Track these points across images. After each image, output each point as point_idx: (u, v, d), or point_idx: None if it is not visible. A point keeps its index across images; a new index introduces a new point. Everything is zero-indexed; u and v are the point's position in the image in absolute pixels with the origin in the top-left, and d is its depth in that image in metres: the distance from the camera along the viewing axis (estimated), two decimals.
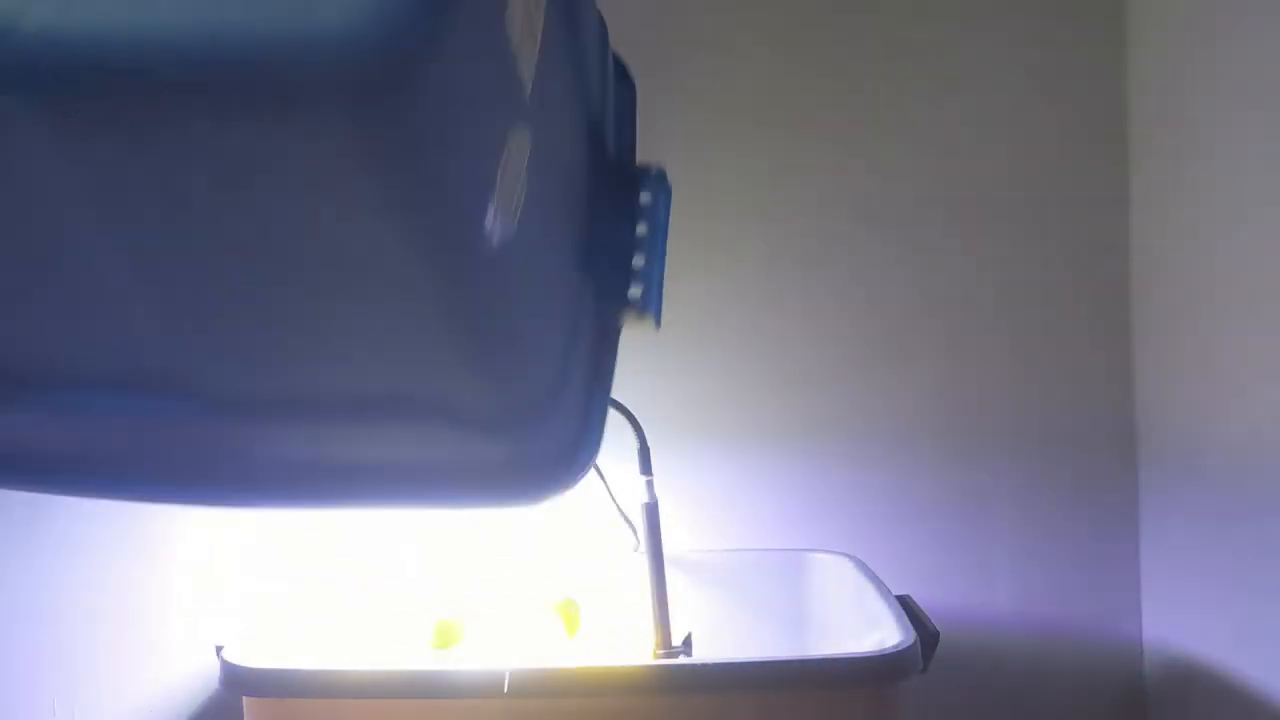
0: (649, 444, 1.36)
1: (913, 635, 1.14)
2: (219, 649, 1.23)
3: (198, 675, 1.58)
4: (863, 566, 1.47)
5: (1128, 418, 1.70)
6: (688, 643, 1.37)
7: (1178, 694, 1.66)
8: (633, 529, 1.41)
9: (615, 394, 1.40)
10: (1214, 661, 1.58)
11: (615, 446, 1.39)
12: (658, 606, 1.35)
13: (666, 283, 1.65)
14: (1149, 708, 1.70)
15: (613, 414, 1.35)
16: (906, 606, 1.32)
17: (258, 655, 1.24)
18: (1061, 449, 1.70)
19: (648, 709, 1.10)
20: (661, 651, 1.34)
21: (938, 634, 1.25)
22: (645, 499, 1.36)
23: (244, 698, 1.15)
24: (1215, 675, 1.58)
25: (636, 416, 1.35)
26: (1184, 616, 1.65)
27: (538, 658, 1.27)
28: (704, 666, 1.10)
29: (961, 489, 1.69)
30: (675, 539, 1.51)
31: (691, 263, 1.67)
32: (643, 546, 1.37)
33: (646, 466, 1.36)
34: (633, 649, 1.35)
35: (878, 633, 1.27)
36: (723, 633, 1.53)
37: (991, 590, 1.70)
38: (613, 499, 1.42)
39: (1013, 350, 1.69)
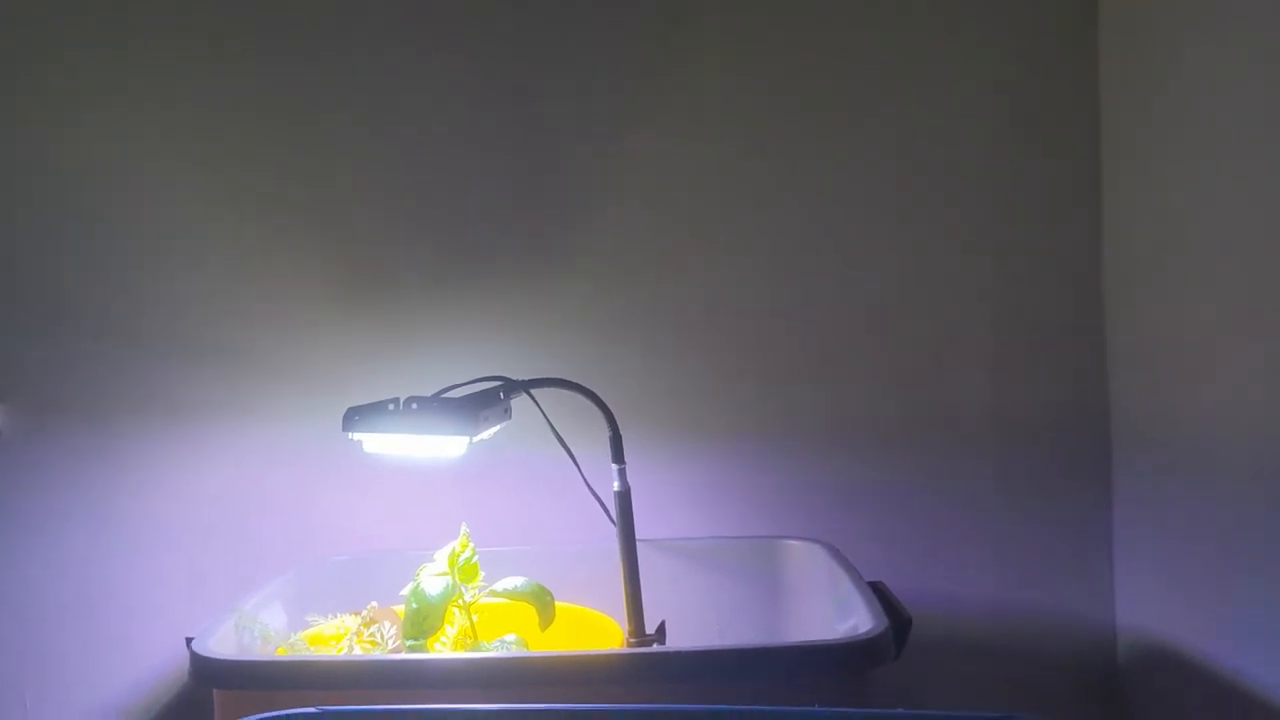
0: (621, 432, 1.35)
1: (885, 622, 1.15)
2: (189, 640, 1.23)
3: (169, 667, 1.57)
4: (835, 553, 1.48)
5: (1102, 406, 1.70)
6: (661, 631, 1.37)
7: (1150, 677, 1.67)
8: (607, 512, 1.41)
9: (589, 383, 1.40)
10: (1186, 645, 1.59)
11: (588, 434, 1.39)
12: (630, 595, 1.35)
13: (651, 278, 1.65)
14: (1122, 691, 1.71)
15: (585, 402, 1.35)
16: (879, 593, 1.32)
17: (226, 647, 1.24)
18: (1036, 438, 1.70)
19: (622, 698, 1.10)
20: (634, 640, 1.34)
21: (910, 620, 1.25)
22: (617, 486, 1.36)
23: (214, 690, 1.15)
24: (1187, 659, 1.58)
25: (610, 406, 1.34)
26: (1157, 602, 1.66)
27: (511, 648, 1.27)
28: (677, 654, 1.10)
29: (936, 477, 1.69)
30: (650, 527, 1.51)
31: (668, 260, 1.67)
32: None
33: (618, 454, 1.35)
34: (606, 638, 1.34)
35: (851, 619, 1.27)
36: (697, 619, 1.53)
37: (965, 577, 1.70)
38: (585, 482, 1.41)
39: (988, 341, 1.69)
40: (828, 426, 1.68)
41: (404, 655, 1.13)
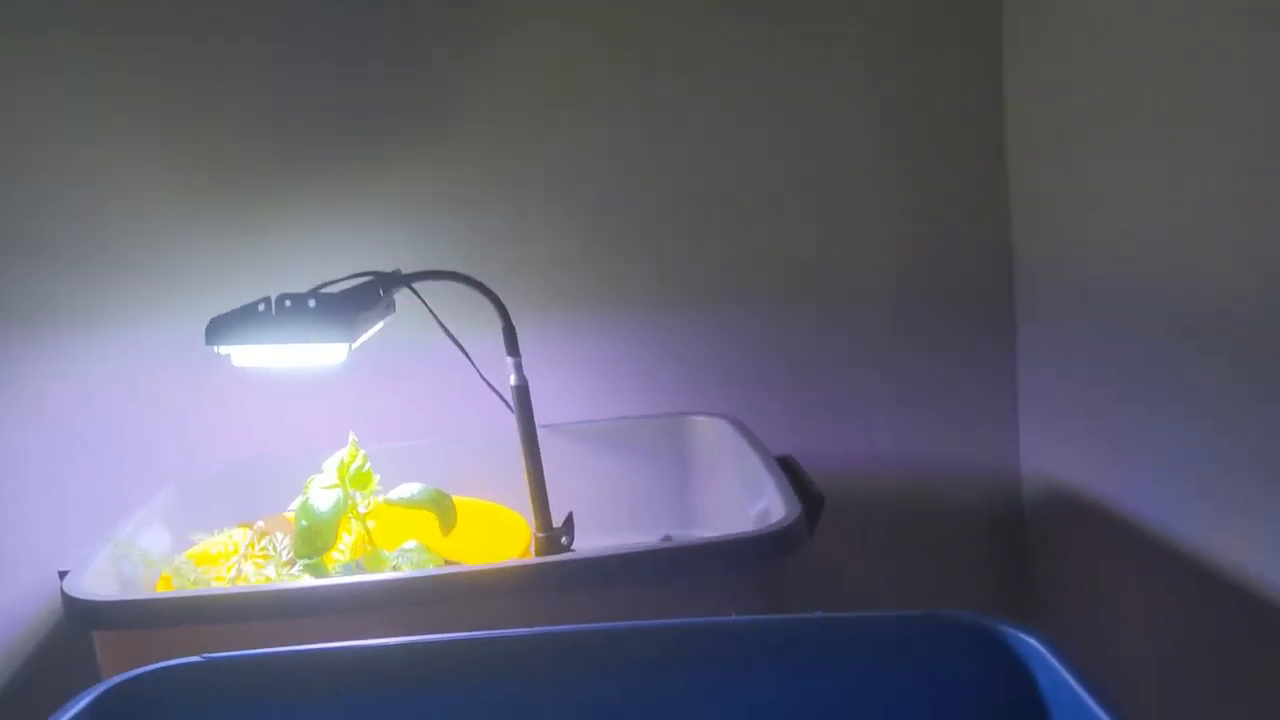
0: (514, 323, 1.27)
1: (797, 507, 1.11)
2: (62, 575, 1.14)
3: (40, 603, 1.49)
4: (741, 427, 1.44)
5: (1004, 249, 1.67)
6: (569, 523, 1.32)
7: (1056, 520, 1.69)
8: (505, 401, 1.34)
9: (471, 269, 1.31)
10: (1089, 488, 1.61)
11: (477, 325, 1.31)
12: (535, 489, 1.29)
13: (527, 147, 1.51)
14: (1028, 535, 1.73)
15: (469, 291, 1.27)
16: (789, 469, 1.29)
17: (105, 581, 1.16)
18: (936, 286, 1.66)
19: (531, 608, 1.06)
20: (542, 535, 1.29)
21: (822, 498, 1.22)
22: (514, 380, 1.29)
23: (94, 632, 1.07)
24: (1091, 502, 1.60)
25: (497, 293, 1.26)
26: (1060, 446, 1.67)
27: (413, 556, 1.21)
28: (584, 561, 1.06)
29: (837, 336, 1.65)
30: (551, 412, 1.45)
31: (542, 120, 1.56)
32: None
33: (513, 347, 1.28)
34: (513, 535, 1.29)
35: (761, 500, 1.24)
36: (605, 504, 1.49)
37: (871, 437, 1.69)
38: (479, 374, 1.34)
39: (889, 187, 1.63)
40: (725, 293, 1.62)
41: (298, 583, 1.06)
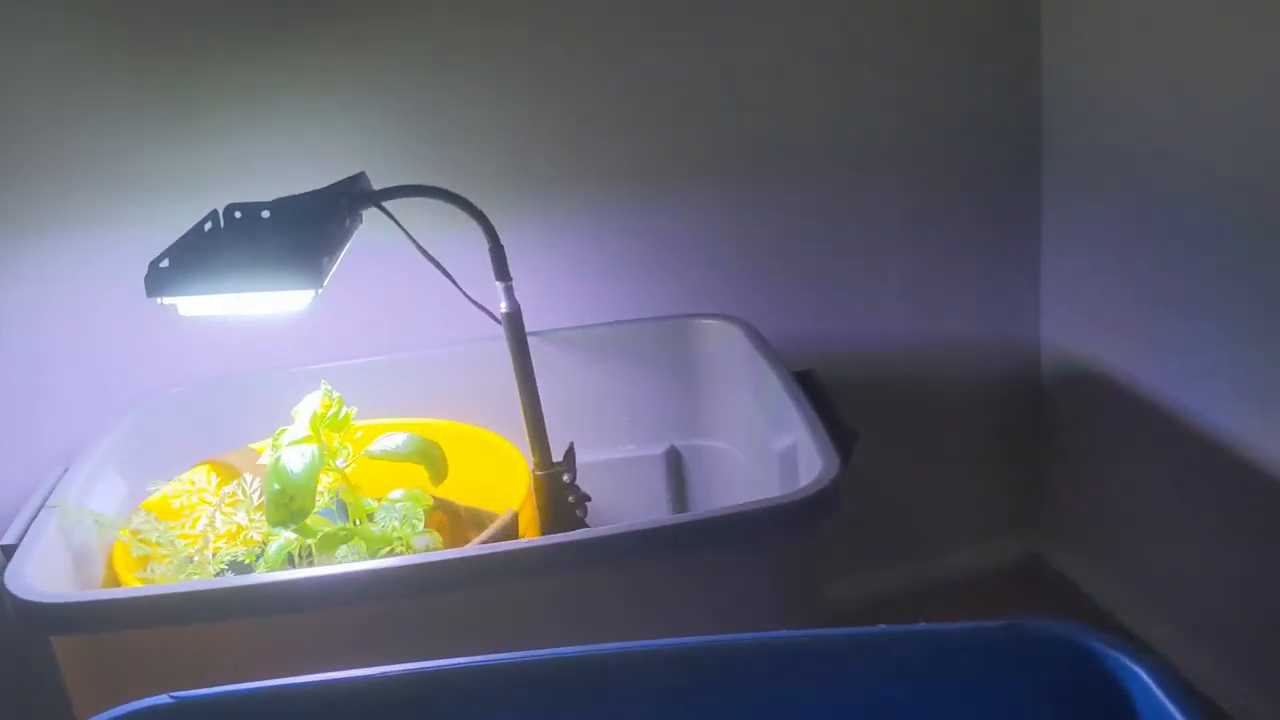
0: (502, 243, 1.11)
1: (835, 460, 0.98)
2: (6, 551, 1.01)
3: None
4: (751, 332, 1.30)
5: (1034, 115, 1.51)
6: (570, 456, 1.20)
7: (1073, 398, 1.60)
8: (490, 314, 1.19)
9: (440, 174, 1.13)
10: (1109, 366, 1.52)
11: (464, 245, 1.14)
12: (532, 424, 1.16)
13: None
14: (1043, 409, 1.64)
15: (455, 212, 1.10)
16: (811, 389, 1.16)
17: (54, 559, 1.03)
18: (962, 152, 1.51)
19: (543, 590, 0.94)
20: (541, 473, 1.17)
21: (855, 435, 1.10)
22: (505, 307, 1.14)
23: (53, 637, 0.95)
24: (1109, 379, 1.51)
25: (483, 211, 1.09)
26: (1082, 319, 1.56)
27: (399, 509, 1.08)
28: (603, 539, 0.93)
29: (852, 205, 1.50)
30: (544, 319, 1.30)
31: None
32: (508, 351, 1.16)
33: (502, 270, 1.12)
34: (510, 475, 1.17)
35: (787, 434, 1.12)
36: (602, 416, 1.36)
37: (887, 312, 1.56)
38: (460, 289, 1.18)
39: (910, 44, 1.45)
40: (726, 166, 1.45)
41: (282, 575, 0.93)
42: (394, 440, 1.09)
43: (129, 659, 0.94)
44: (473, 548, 0.93)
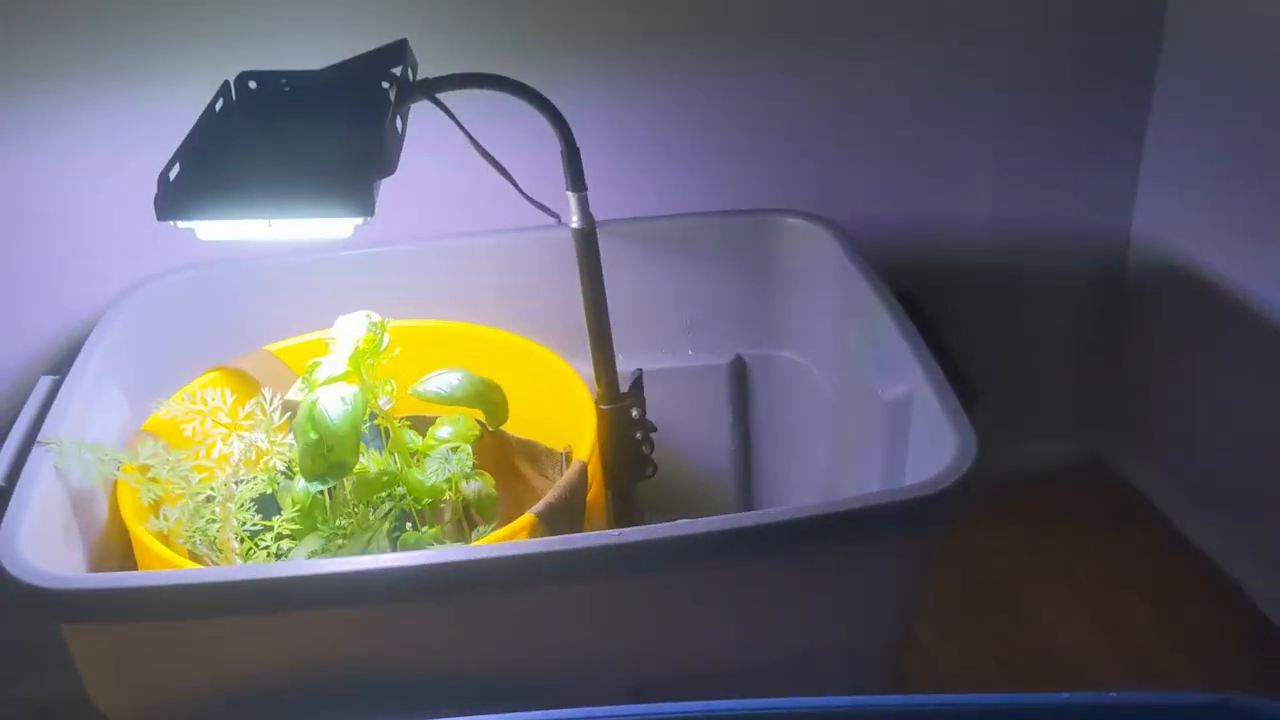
0: (577, 144, 0.93)
1: (972, 445, 0.84)
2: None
3: None
4: (845, 240, 1.14)
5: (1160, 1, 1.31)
6: (638, 385, 1.05)
7: (1156, 294, 1.47)
8: (551, 212, 1.02)
9: (499, 63, 0.93)
10: (1199, 263, 1.38)
11: (526, 145, 0.95)
12: (600, 352, 1.01)
13: None
14: (1124, 306, 1.51)
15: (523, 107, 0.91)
16: (916, 315, 1.01)
17: (51, 512, 0.88)
18: (1073, 29, 1.31)
19: (618, 590, 0.82)
20: (606, 406, 1.03)
21: (977, 393, 0.96)
22: (576, 222, 0.96)
23: (64, 625, 0.81)
24: (1198, 277, 1.39)
25: (558, 110, 0.91)
26: (1177, 217, 1.41)
27: (451, 461, 0.94)
28: (705, 534, 0.79)
29: (950, 83, 1.31)
30: (605, 207, 1.12)
31: None
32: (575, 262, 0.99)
33: (577, 179, 0.94)
34: (574, 412, 1.02)
35: (900, 383, 0.97)
36: (664, 334, 1.21)
37: (972, 190, 1.39)
38: (518, 188, 1.00)
39: None
40: (810, 38, 1.25)
41: (326, 563, 0.79)
42: (448, 380, 0.94)
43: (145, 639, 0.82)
44: (568, 539, 0.79)
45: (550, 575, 0.79)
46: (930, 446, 0.90)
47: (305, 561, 0.80)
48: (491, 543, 0.86)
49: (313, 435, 0.89)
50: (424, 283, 1.14)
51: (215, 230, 0.82)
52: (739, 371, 1.22)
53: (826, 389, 1.16)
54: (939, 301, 1.08)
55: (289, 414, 1.00)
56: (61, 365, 1.03)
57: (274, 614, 0.79)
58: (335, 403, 0.89)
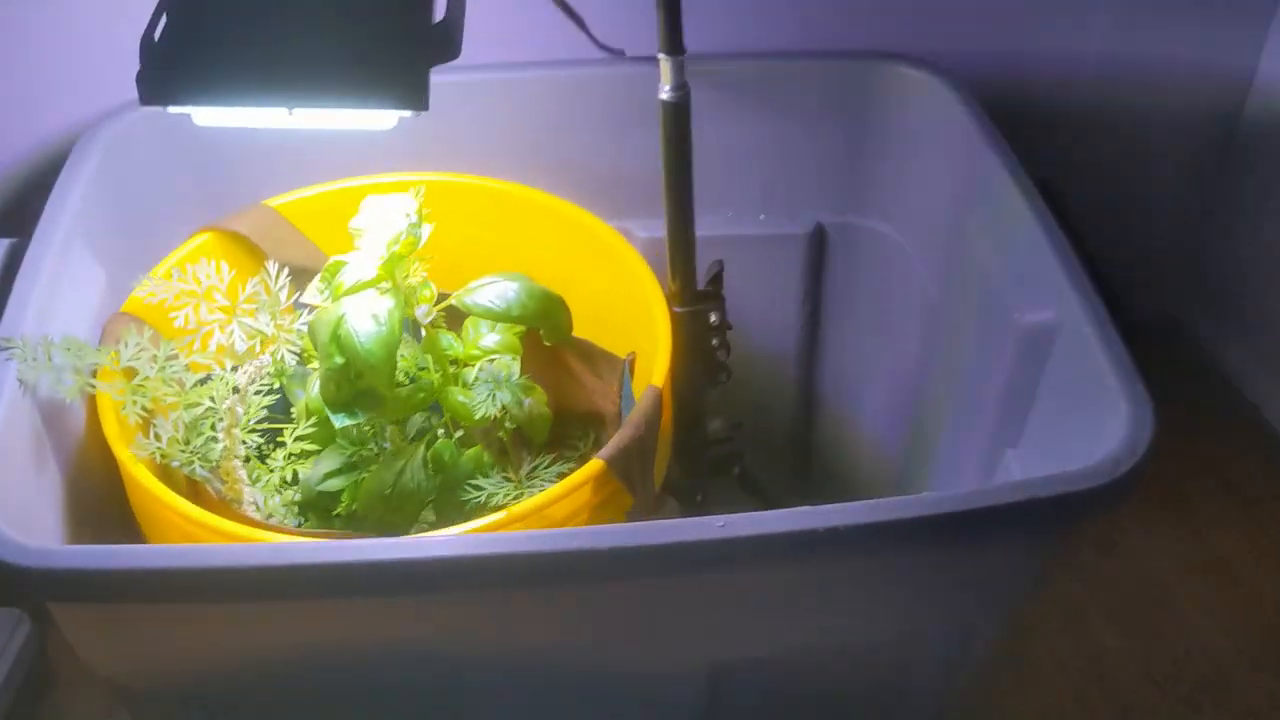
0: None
1: (1148, 428, 0.69)
2: None
3: None
4: (966, 96, 0.94)
5: None
6: (718, 280, 0.89)
7: (1273, 140, 1.29)
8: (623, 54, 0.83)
9: None
10: None
11: None
12: (680, 248, 0.84)
13: None
14: (1234, 151, 1.33)
15: None
16: (1061, 219, 0.84)
17: (22, 437, 0.72)
18: None
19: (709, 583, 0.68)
20: (679, 309, 0.86)
21: (1132, 325, 0.80)
22: (667, 94, 0.77)
23: (52, 604, 0.67)
24: None
25: None
26: None
27: (512, 399, 0.77)
28: (851, 528, 0.64)
29: None
30: (650, 42, 0.91)
31: None
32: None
33: (674, 41, 0.74)
34: (645, 313, 0.85)
35: (1040, 306, 0.81)
36: (732, 196, 1.02)
37: (1086, 31, 1.18)
38: (591, 36, 0.80)
39: None
40: None
41: (374, 545, 0.64)
42: (503, 292, 0.76)
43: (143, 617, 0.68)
44: (662, 529, 0.64)
45: (638, 568, 0.65)
46: (1077, 401, 0.76)
47: (345, 544, 0.64)
48: (556, 494, 0.72)
49: (339, 359, 0.72)
50: (454, 130, 0.94)
51: (219, 117, 0.62)
52: (817, 243, 1.05)
53: (925, 278, 0.99)
54: (1039, 148, 0.90)
55: (305, 311, 0.83)
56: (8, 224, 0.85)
57: (298, 600, 0.65)
58: (366, 321, 0.72)
